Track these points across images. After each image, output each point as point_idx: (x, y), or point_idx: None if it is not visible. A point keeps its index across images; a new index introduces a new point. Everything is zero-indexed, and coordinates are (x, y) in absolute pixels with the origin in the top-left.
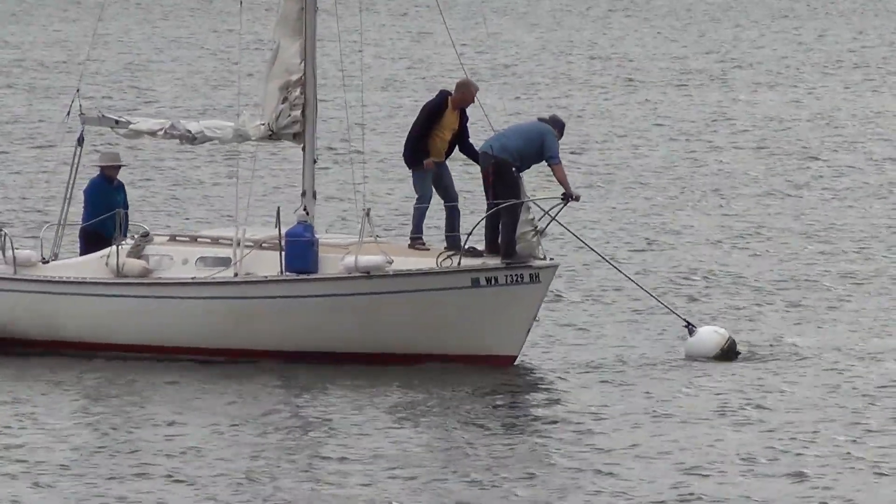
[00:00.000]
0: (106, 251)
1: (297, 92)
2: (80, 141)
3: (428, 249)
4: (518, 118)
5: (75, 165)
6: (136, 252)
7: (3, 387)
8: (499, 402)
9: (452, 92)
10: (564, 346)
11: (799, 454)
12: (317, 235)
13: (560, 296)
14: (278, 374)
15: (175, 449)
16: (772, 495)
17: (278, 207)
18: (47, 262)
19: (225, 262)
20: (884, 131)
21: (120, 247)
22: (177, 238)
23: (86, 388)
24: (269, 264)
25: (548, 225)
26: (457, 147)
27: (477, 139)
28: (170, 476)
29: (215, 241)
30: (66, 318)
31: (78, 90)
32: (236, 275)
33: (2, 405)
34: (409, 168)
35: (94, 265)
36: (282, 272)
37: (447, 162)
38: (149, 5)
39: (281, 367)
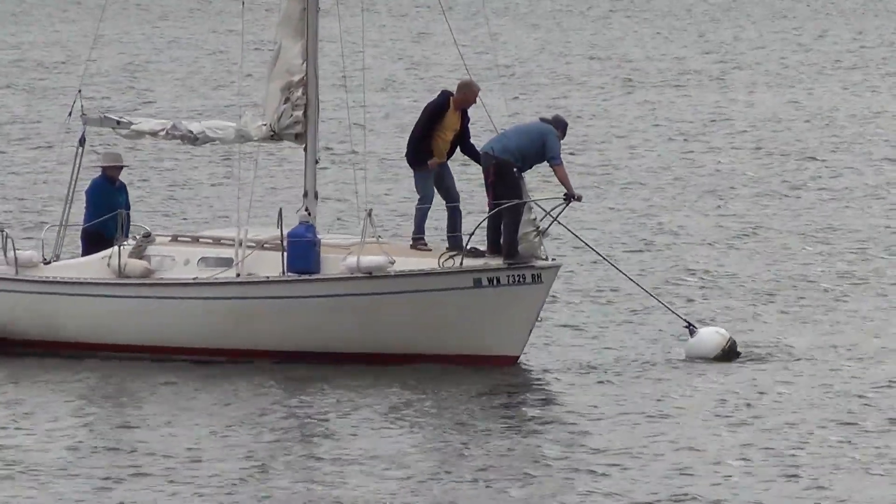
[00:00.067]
0: (107, 252)
1: (299, 92)
2: (82, 142)
3: (430, 250)
4: (517, 119)
5: (77, 166)
6: (138, 253)
7: (1, 387)
8: (500, 403)
9: (454, 92)
10: (565, 346)
11: (797, 455)
12: (318, 236)
13: (561, 296)
14: (280, 375)
15: (172, 450)
16: (771, 495)
17: (280, 208)
18: (49, 262)
19: (227, 262)
20: (882, 132)
21: (122, 247)
22: (178, 238)
23: (83, 389)
24: (271, 265)
25: (550, 225)
26: (458, 147)
27: (479, 140)
28: (167, 477)
29: (217, 242)
30: (67, 318)
31: (80, 91)
32: (238, 275)
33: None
34: (412, 168)
35: (96, 266)
36: (284, 273)
37: (448, 162)
38: (148, 5)
39: (282, 367)
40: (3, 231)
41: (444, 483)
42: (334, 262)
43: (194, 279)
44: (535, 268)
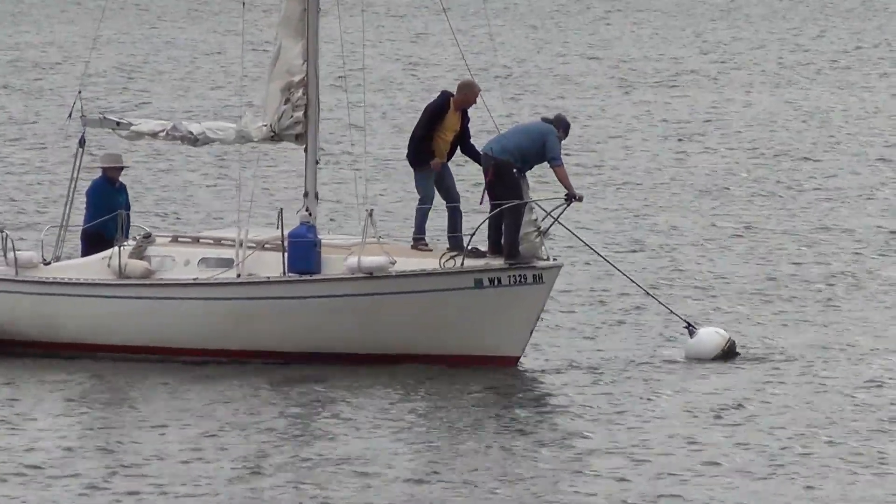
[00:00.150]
0: (108, 252)
1: (300, 93)
2: (82, 143)
3: (431, 250)
4: (512, 119)
5: (77, 167)
6: (138, 253)
7: None
8: (498, 403)
9: (454, 93)
10: (565, 346)
11: (795, 455)
12: (319, 236)
13: (560, 296)
14: (275, 375)
15: (166, 450)
16: (769, 494)
17: (280, 208)
18: (49, 263)
19: (227, 263)
20: (877, 132)
21: (122, 248)
22: (179, 239)
23: (77, 389)
24: (272, 265)
25: (551, 226)
26: (458, 148)
27: (480, 140)
28: (160, 477)
29: (217, 242)
30: (67, 319)
31: (80, 91)
32: (239, 276)
33: None
34: (413, 168)
35: (96, 266)
36: (284, 273)
37: (448, 163)
38: (148, 6)
39: (278, 367)
40: (3, 232)
41: (440, 484)
42: (335, 263)
43: (195, 280)
44: (537, 268)
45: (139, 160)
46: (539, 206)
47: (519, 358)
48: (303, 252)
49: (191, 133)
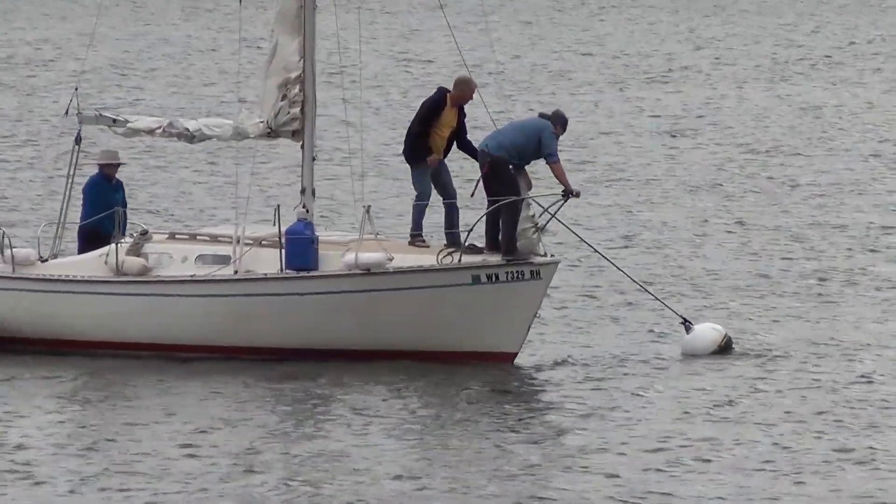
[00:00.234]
0: (105, 249)
1: (297, 89)
2: (78, 140)
3: (428, 246)
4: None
5: (73, 164)
6: (135, 250)
7: None
8: (495, 400)
9: (451, 89)
10: (561, 342)
11: (786, 451)
12: (316, 233)
13: (556, 292)
14: (274, 372)
15: (158, 446)
16: (766, 493)
17: (277, 205)
18: (46, 260)
19: (224, 259)
20: (870, 127)
21: (119, 245)
22: (176, 236)
23: (70, 386)
24: (269, 262)
25: (548, 222)
26: (455, 144)
27: (478, 136)
28: (152, 474)
29: (215, 239)
30: (65, 316)
31: (76, 89)
32: (236, 272)
33: None
34: (410, 165)
35: (93, 263)
36: (282, 269)
37: (444, 159)
38: (142, 2)
39: (272, 364)
40: (0, 229)
41: (432, 481)
42: (333, 259)
43: (192, 277)
44: (534, 264)
45: (134, 157)
46: (536, 202)
47: (516, 354)
48: (300, 249)
49: (187, 130)
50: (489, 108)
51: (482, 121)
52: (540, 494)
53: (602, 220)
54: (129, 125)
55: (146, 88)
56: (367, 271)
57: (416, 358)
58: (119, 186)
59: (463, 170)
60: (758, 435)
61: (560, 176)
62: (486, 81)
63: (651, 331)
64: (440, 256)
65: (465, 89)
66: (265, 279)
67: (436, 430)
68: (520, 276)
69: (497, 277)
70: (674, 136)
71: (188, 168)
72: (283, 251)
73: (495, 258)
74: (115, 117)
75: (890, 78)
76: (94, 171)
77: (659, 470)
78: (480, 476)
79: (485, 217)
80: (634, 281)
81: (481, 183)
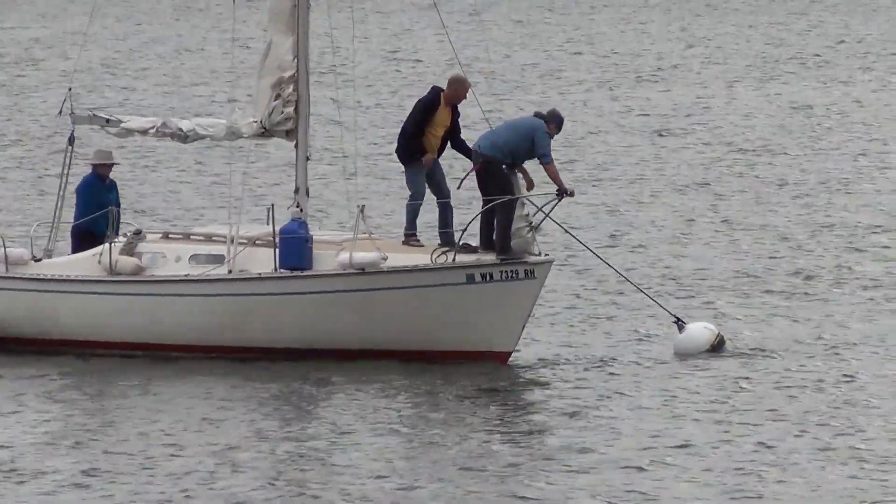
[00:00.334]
0: (98, 249)
1: (290, 89)
2: (71, 140)
3: (422, 246)
4: (498, 115)
5: (67, 164)
6: (129, 250)
7: None
8: (488, 399)
9: (445, 88)
10: (554, 341)
11: (773, 451)
12: (310, 232)
13: (548, 292)
14: (265, 371)
15: (147, 446)
16: (752, 492)
17: (272, 204)
18: (39, 260)
19: (218, 259)
20: (861, 126)
21: (112, 244)
22: (170, 235)
23: (58, 385)
24: (263, 261)
25: (542, 221)
26: (449, 143)
27: (472, 135)
28: (140, 473)
29: (208, 239)
30: (58, 315)
31: (70, 89)
32: (230, 272)
33: None
34: (403, 165)
35: (87, 263)
36: (276, 269)
37: (438, 159)
38: (134, 2)
39: (268, 363)
40: None
41: (424, 480)
42: (327, 259)
43: (186, 276)
44: (528, 263)
45: (126, 157)
46: (530, 201)
47: (511, 353)
48: (294, 248)
49: (180, 130)
50: (483, 107)
51: (472, 119)
52: (526, 494)
53: (590, 219)
54: (122, 125)
55: (137, 88)
56: (362, 271)
57: (410, 357)
58: (112, 186)
59: (453, 169)
60: (744, 434)
61: (554, 176)
62: (476, 80)
63: (644, 330)
64: (434, 256)
65: (458, 88)
66: (259, 279)
67: (422, 429)
68: (514, 275)
69: (491, 276)
70: (662, 136)
71: (182, 167)
72: (278, 250)
73: (490, 257)
74: (108, 117)
75: (880, 77)
76: (88, 171)
77: (644, 469)
78: (467, 475)
79: (479, 216)
80: (629, 281)
81: (471, 176)
